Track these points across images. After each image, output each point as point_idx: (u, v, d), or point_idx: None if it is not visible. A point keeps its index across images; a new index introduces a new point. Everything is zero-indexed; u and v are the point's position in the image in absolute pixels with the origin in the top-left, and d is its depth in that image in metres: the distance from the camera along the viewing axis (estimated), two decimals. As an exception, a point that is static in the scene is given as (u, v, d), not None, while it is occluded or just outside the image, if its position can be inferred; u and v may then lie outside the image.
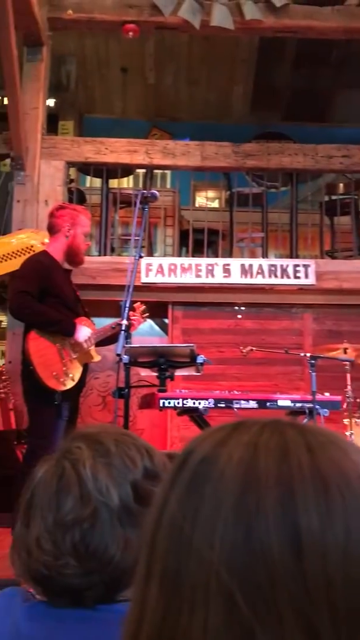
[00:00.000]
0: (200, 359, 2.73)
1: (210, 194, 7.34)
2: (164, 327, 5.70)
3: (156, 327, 5.82)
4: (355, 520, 0.37)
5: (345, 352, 4.11)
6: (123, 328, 2.68)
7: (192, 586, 0.38)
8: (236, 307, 5.50)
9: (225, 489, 0.39)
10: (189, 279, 5.23)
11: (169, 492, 0.42)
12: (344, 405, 4.07)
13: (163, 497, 0.42)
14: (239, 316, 5.50)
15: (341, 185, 6.27)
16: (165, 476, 0.44)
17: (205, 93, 7.80)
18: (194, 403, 3.30)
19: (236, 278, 5.27)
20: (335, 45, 6.63)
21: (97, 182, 5.98)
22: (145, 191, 3.08)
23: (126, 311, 2.73)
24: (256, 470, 0.39)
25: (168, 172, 7.02)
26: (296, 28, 5.52)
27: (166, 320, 5.51)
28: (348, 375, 4.14)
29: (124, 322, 2.70)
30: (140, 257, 2.89)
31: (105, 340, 3.39)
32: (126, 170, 5.91)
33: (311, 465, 0.39)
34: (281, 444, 0.40)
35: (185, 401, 3.31)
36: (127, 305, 2.74)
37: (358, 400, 4.08)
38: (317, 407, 3.26)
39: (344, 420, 3.98)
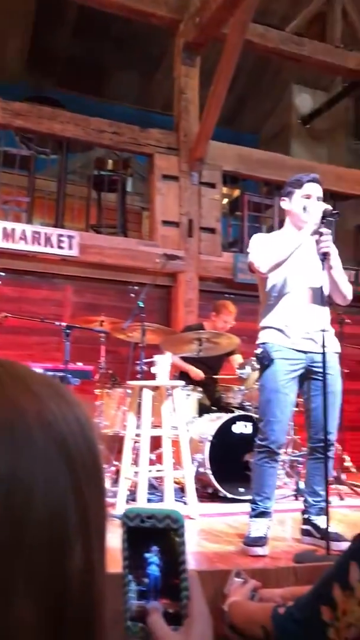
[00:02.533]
0: None
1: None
2: None
3: None
4: (25, 454, 0.37)
5: (101, 325, 4.22)
6: None
7: None
8: (-5, 273, 5.26)
9: None
10: None
11: None
12: (96, 376, 4.18)
13: None
14: (-2, 282, 5.28)
15: (110, 161, 6.38)
16: None
17: (-23, 40, 7.21)
18: None
19: (-3, 242, 5.03)
20: (117, 22, 6.67)
21: None
22: None
23: None
24: None
25: None
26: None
27: None
28: (103, 347, 4.27)
29: None
30: None
31: None
32: None
33: None
34: None
35: None
36: None
37: (110, 371, 4.23)
38: (69, 375, 3.29)
39: (95, 390, 4.08)
